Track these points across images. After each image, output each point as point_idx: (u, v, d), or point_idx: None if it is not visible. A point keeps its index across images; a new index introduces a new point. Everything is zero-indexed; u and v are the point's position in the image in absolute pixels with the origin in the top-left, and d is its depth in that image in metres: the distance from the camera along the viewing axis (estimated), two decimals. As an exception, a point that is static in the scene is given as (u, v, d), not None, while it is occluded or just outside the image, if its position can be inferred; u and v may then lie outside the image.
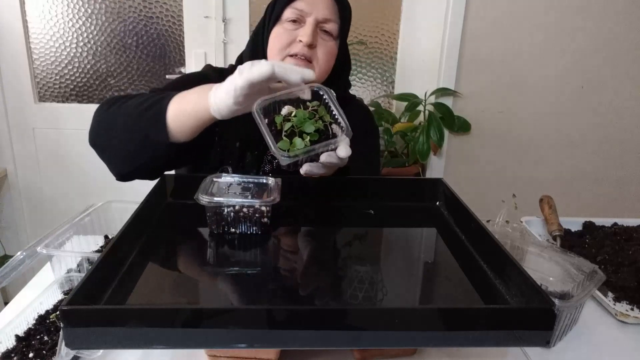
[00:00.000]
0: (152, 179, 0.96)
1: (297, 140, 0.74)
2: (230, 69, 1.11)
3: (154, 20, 2.03)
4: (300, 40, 0.97)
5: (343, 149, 0.75)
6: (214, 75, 1.10)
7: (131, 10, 2.01)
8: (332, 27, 1.00)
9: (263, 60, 0.73)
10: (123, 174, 0.91)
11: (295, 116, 0.76)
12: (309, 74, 0.75)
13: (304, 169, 0.77)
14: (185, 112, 0.82)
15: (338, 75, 1.08)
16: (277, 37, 1.00)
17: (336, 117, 0.78)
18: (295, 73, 0.74)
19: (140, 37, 2.05)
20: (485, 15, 2.00)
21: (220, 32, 2.02)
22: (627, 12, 2.02)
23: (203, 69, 1.15)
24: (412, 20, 2.08)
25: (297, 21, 0.99)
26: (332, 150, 0.75)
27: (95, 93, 2.11)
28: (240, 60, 1.12)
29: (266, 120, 0.75)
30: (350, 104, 1.16)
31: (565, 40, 2.05)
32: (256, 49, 1.06)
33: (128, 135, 0.86)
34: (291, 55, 0.99)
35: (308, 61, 0.99)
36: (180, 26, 2.04)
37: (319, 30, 1.00)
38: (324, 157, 0.75)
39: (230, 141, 1.04)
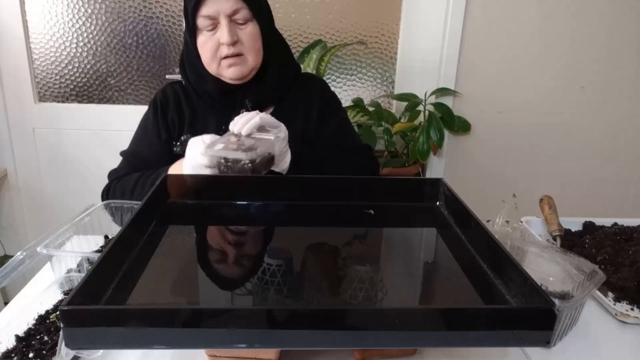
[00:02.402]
0: None
1: None
2: (183, 79, 1.17)
3: (154, 20, 2.03)
4: (223, 43, 1.02)
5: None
6: (165, 101, 1.16)
7: (131, 10, 2.01)
8: (243, 14, 1.03)
9: (204, 159, 0.91)
10: None
11: None
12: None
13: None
14: None
15: (273, 50, 1.12)
16: (203, 47, 1.06)
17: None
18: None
19: (140, 37, 2.05)
20: (485, 15, 2.00)
21: (220, 32, 2.02)
22: (628, 11, 2.02)
23: (158, 92, 1.19)
24: (412, 20, 2.07)
25: (213, 27, 1.03)
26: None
27: (95, 93, 2.11)
28: (182, 66, 1.15)
29: None
30: (302, 78, 1.21)
31: (565, 40, 2.05)
32: (191, 58, 1.10)
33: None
34: (223, 58, 1.04)
35: (239, 55, 1.04)
36: (180, 26, 2.04)
37: (235, 24, 1.03)
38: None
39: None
